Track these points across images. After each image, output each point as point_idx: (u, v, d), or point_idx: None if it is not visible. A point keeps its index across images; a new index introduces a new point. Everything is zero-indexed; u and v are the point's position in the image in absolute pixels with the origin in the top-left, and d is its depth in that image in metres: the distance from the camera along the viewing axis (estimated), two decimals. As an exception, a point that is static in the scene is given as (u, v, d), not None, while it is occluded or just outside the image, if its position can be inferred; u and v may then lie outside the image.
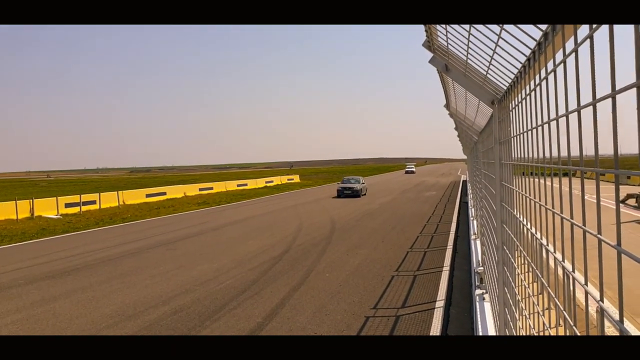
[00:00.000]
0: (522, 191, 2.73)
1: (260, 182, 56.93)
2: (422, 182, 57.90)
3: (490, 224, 5.56)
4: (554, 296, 1.86)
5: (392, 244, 16.09)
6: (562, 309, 1.73)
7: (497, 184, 3.89)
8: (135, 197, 36.49)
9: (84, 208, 30.05)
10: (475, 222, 13.18)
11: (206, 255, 14.69)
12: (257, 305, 9.40)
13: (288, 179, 66.38)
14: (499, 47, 2.54)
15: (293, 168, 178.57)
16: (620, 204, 22.88)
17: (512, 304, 3.24)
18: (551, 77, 1.73)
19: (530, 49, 2.15)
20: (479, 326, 5.93)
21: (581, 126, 1.37)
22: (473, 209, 15.80)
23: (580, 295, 2.37)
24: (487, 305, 6.35)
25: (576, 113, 1.38)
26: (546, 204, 1.96)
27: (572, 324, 1.56)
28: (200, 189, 45.77)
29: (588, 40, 1.28)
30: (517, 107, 2.73)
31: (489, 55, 2.78)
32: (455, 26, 3.11)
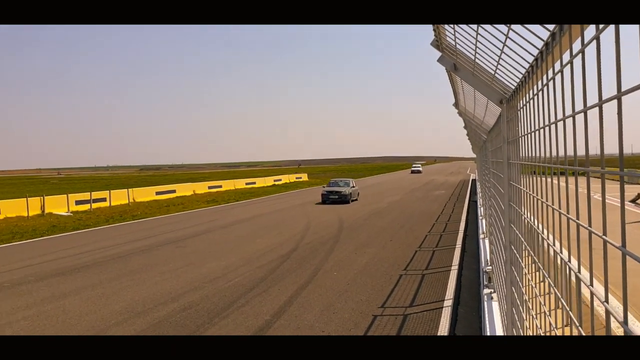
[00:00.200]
0: (529, 191, 2.73)
1: (268, 181, 57.06)
2: (431, 181, 57.75)
3: (498, 223, 5.54)
4: (560, 296, 1.86)
5: (401, 242, 16.08)
6: (568, 309, 1.73)
7: (505, 184, 3.88)
8: (145, 194, 36.71)
9: (95, 205, 30.27)
10: (484, 221, 13.14)
11: (215, 252, 14.75)
12: (265, 302, 9.44)
13: (296, 178, 66.46)
14: (506, 47, 2.54)
15: (301, 167, 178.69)
16: (631, 203, 22.71)
17: (519, 303, 3.23)
18: (558, 77, 1.73)
19: (537, 48, 2.14)
20: (487, 325, 5.92)
21: (587, 127, 1.37)
22: (482, 208, 15.74)
23: (588, 295, 2.36)
24: (495, 305, 6.34)
25: (582, 114, 1.38)
26: (553, 204, 1.96)
27: (577, 324, 1.56)
28: (210, 187, 45.97)
29: (594, 41, 1.28)
30: (525, 107, 2.73)
31: (497, 55, 2.78)
32: (464, 25, 3.10)
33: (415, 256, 13.83)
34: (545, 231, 2.24)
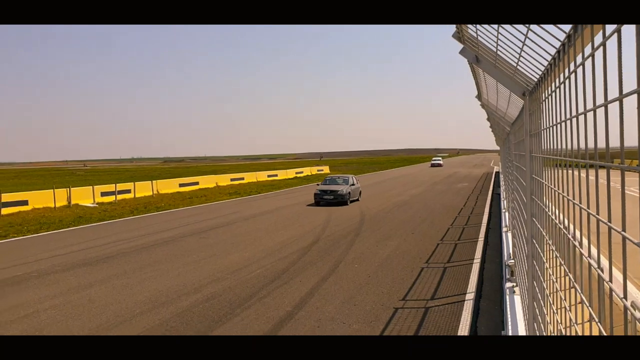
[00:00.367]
0: (551, 185, 2.70)
1: (290, 173, 57.21)
2: (454, 174, 57.25)
3: (521, 216, 5.49)
4: (580, 292, 1.84)
5: (423, 235, 16.01)
6: (587, 305, 1.72)
7: (528, 177, 3.84)
8: (168, 186, 37.14)
9: (119, 197, 30.74)
10: (507, 214, 13.00)
11: (237, 244, 14.89)
12: (286, 294, 9.51)
13: (318, 170, 66.50)
14: (528, 39, 2.50)
15: (323, 159, 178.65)
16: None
17: (540, 298, 3.21)
18: (580, 70, 1.71)
19: (560, 40, 2.12)
20: (509, 320, 5.88)
21: (608, 120, 1.36)
22: (505, 201, 15.56)
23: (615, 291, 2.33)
24: (518, 299, 6.29)
25: (603, 107, 1.36)
26: (574, 199, 1.94)
27: (597, 320, 1.55)
28: (232, 179, 46.30)
29: (616, 34, 1.26)
30: (547, 100, 2.69)
31: (519, 47, 2.74)
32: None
33: (437, 249, 13.76)
34: (568, 225, 2.21)
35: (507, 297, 6.83)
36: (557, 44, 2.18)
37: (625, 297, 1.20)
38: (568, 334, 2.20)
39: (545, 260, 3.00)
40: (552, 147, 2.60)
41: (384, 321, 8.00)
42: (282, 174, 55.22)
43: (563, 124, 2.13)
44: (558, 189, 2.42)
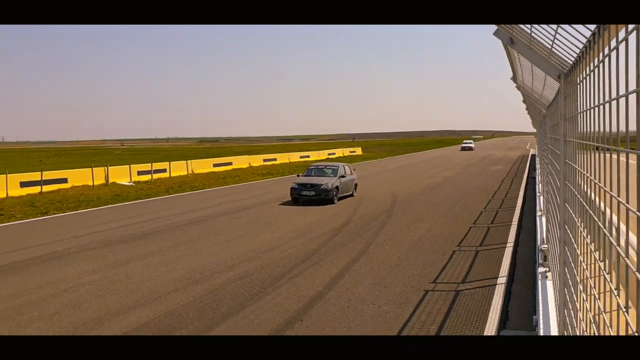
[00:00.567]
0: (584, 171, 2.65)
1: (322, 154, 57.26)
2: (488, 156, 56.32)
3: (554, 201, 5.39)
4: (609, 281, 1.82)
5: (455, 218, 15.87)
6: (616, 294, 1.69)
7: (562, 161, 3.76)
8: (203, 166, 37.69)
9: (155, 176, 31.36)
10: (541, 198, 12.76)
11: (269, 224, 15.06)
12: (317, 274, 9.60)
13: (350, 151, 66.32)
14: (563, 21, 2.43)
15: (355, 140, 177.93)
16: None
17: (571, 284, 3.17)
18: (614, 53, 1.66)
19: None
20: (540, 305, 5.83)
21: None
22: (540, 185, 15.26)
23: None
24: (550, 284, 6.21)
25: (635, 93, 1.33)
26: (605, 186, 1.90)
27: (624, 310, 1.53)
28: (265, 160, 46.65)
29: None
30: (582, 83, 2.63)
31: (553, 29, 2.67)
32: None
33: (470, 232, 13.64)
34: (605, 211, 2.17)
35: (540, 281, 6.75)
36: (593, 26, 2.12)
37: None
38: (596, 322, 2.18)
39: (576, 247, 2.95)
40: (587, 130, 2.54)
41: (414, 303, 8.01)
42: (315, 155, 55.31)
43: (598, 108, 2.08)
44: (590, 175, 2.37)
